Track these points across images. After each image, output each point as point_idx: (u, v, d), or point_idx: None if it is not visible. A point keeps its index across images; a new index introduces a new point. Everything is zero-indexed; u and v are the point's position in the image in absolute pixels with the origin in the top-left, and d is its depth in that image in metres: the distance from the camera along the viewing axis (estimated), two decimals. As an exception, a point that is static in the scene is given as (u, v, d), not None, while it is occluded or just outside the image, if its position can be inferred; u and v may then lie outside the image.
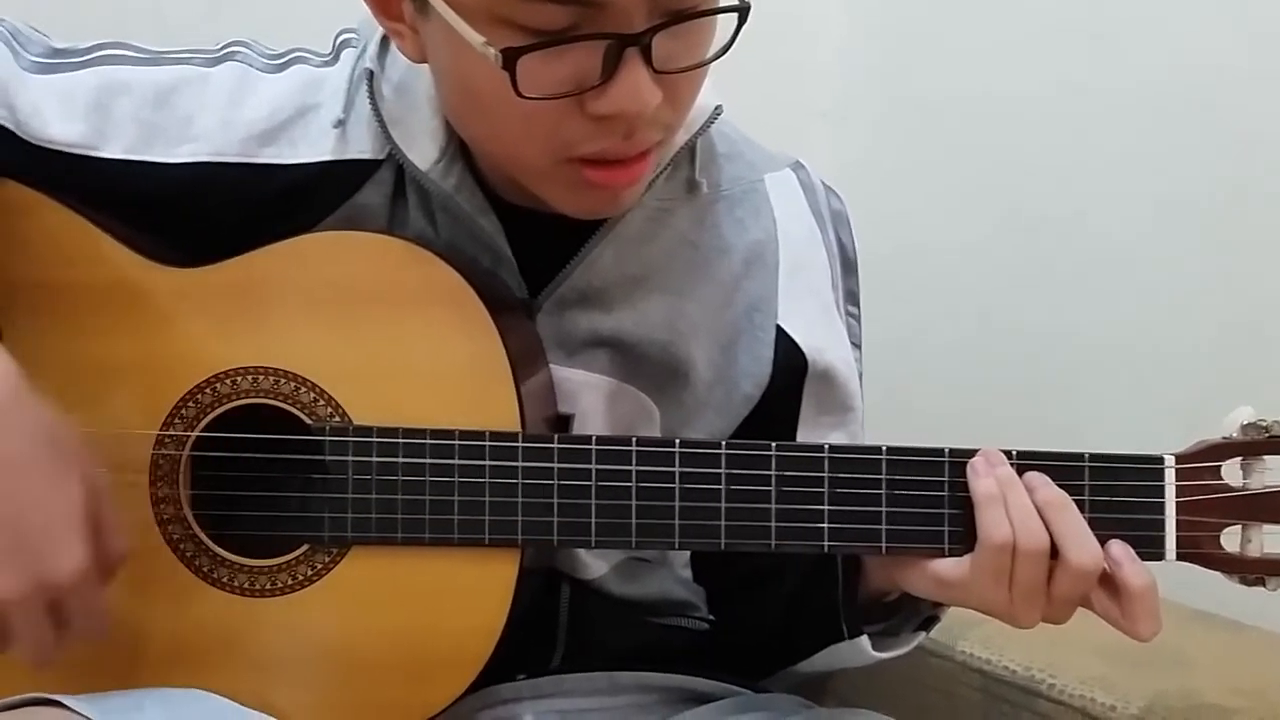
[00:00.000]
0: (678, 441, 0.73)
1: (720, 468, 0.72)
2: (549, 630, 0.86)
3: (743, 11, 0.70)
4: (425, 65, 0.79)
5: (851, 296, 0.92)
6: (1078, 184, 1.32)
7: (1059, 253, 1.35)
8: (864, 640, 0.78)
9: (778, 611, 0.86)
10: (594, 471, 0.73)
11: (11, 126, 0.79)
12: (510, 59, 0.66)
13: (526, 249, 0.83)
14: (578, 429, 0.83)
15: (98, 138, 0.80)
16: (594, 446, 0.73)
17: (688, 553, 0.92)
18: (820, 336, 0.87)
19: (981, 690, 0.98)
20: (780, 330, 0.86)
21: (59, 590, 0.67)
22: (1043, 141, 1.34)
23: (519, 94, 0.67)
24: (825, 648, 0.81)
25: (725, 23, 0.72)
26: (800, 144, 0.95)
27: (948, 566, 0.72)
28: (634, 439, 0.73)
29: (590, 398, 0.84)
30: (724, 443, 0.73)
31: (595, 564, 0.87)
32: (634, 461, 0.73)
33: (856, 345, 0.91)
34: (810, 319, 0.87)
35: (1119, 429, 1.25)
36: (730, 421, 0.86)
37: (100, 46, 0.83)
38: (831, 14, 1.51)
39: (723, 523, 0.73)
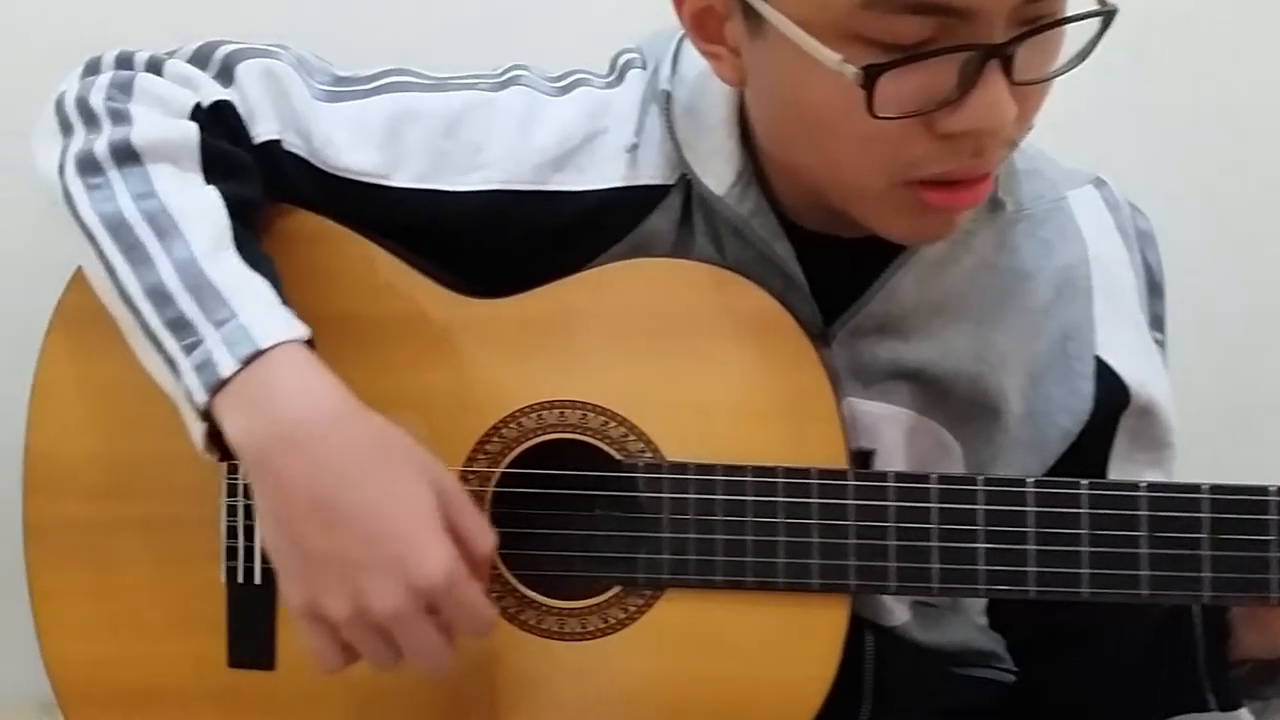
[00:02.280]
0: (1031, 481, 0.68)
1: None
2: (854, 681, 0.80)
3: (1106, 16, 0.65)
4: (715, 87, 0.76)
5: (1158, 322, 0.86)
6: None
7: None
8: (1243, 714, 0.72)
9: (1106, 670, 0.79)
10: (935, 511, 0.68)
11: (306, 155, 0.78)
12: (871, 76, 0.63)
13: (819, 275, 0.79)
14: (878, 466, 0.78)
15: (389, 166, 0.79)
16: (934, 485, 0.69)
17: (984, 599, 0.86)
18: (1141, 368, 0.81)
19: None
20: (1100, 361, 0.80)
21: (432, 593, 0.66)
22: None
23: (873, 114, 0.64)
24: (1180, 715, 0.74)
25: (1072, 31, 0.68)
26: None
27: None
28: (980, 477, 0.68)
29: (890, 432, 0.79)
30: (1087, 482, 0.67)
31: (897, 610, 0.82)
32: (981, 501, 0.68)
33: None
34: (1130, 349, 0.81)
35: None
36: (1044, 459, 0.80)
37: (386, 74, 0.82)
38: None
39: (1084, 571, 0.67)
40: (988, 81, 0.64)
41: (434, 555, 0.66)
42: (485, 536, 0.70)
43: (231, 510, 0.78)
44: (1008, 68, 0.64)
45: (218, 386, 0.68)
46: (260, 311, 0.69)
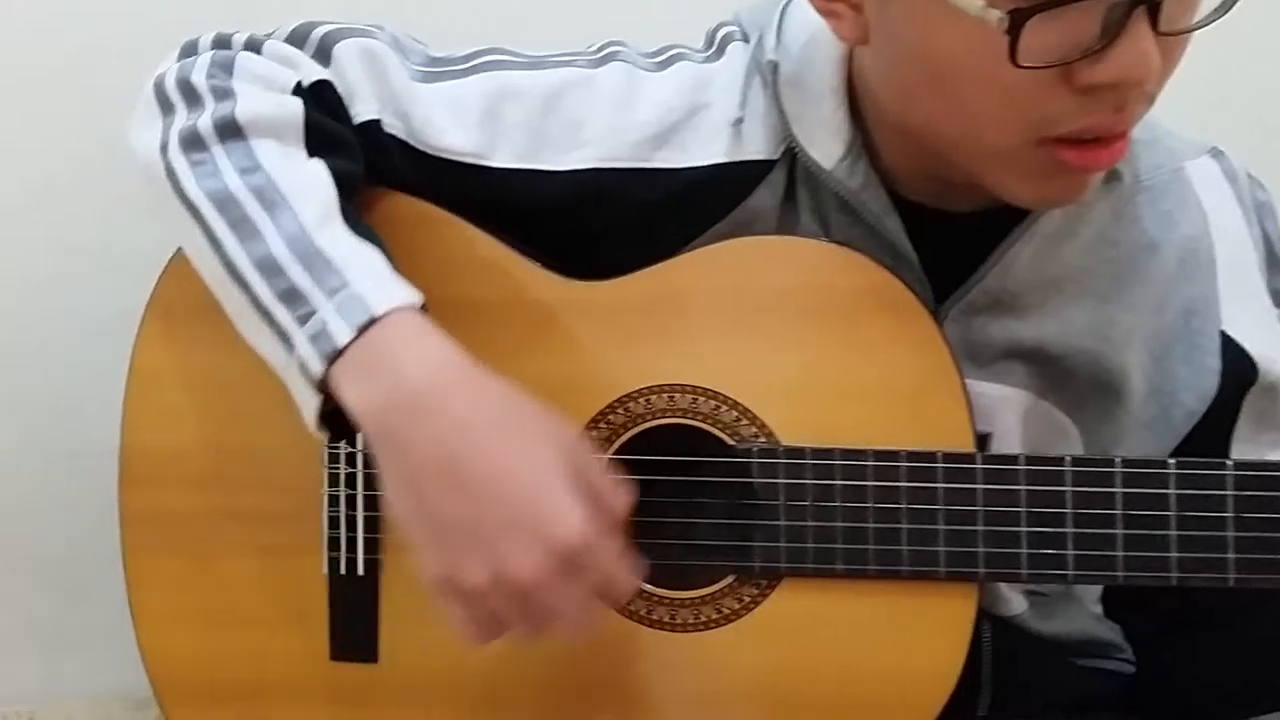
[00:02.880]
0: (1173, 462, 0.65)
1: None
2: (972, 673, 0.77)
3: None
4: (822, 56, 0.74)
5: (1277, 296, 0.82)
6: None
7: None
8: None
9: (1232, 653, 0.76)
10: (1070, 495, 0.65)
11: (405, 137, 0.77)
12: (1017, 22, 0.60)
13: (929, 251, 0.76)
14: (995, 449, 0.75)
15: (488, 146, 0.77)
16: (1069, 468, 0.66)
17: (1098, 588, 0.83)
18: (1267, 343, 0.78)
19: None
20: (1225, 337, 0.77)
21: (571, 554, 0.63)
22: None
23: (1016, 63, 0.61)
24: None
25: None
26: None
27: None
28: (1117, 458, 0.65)
29: (1006, 414, 0.76)
30: (1232, 463, 0.64)
31: (1014, 599, 0.79)
32: (1119, 484, 0.65)
33: None
34: (1255, 324, 0.78)
35: None
36: (1168, 441, 0.77)
37: (481, 53, 0.80)
38: None
39: (1229, 556, 0.64)
40: (1133, 31, 0.61)
41: (569, 515, 0.63)
42: (618, 495, 0.67)
43: (333, 500, 0.76)
44: (1154, 16, 0.61)
45: (334, 356, 0.66)
46: (372, 278, 0.68)
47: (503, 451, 0.64)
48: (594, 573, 0.64)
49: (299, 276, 0.68)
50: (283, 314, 0.68)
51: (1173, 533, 0.64)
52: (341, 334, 0.66)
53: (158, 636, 0.79)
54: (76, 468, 0.98)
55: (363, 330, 0.66)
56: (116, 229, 0.97)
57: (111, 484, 0.82)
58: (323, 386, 0.67)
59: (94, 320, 0.96)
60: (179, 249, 0.80)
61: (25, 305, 0.99)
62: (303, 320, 0.67)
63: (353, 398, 0.66)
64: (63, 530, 1.00)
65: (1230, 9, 0.64)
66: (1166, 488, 0.65)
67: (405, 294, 0.68)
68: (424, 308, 0.68)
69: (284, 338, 0.68)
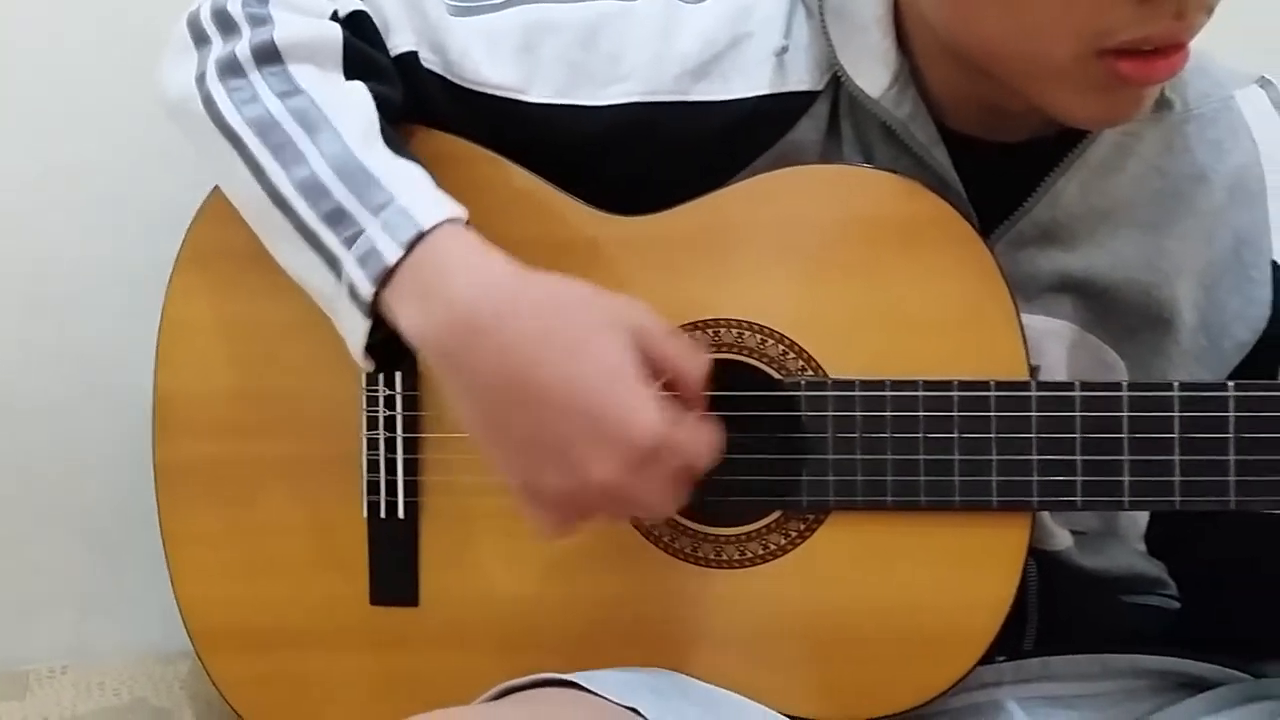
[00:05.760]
0: (1233, 386, 0.64)
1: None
2: (1018, 607, 0.77)
3: None
4: None
5: None
6: None
7: None
8: None
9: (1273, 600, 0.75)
10: (1126, 420, 0.64)
11: (442, 71, 0.76)
12: None
13: (974, 182, 0.75)
14: (1042, 382, 0.75)
15: (526, 80, 0.76)
16: (1125, 393, 0.65)
17: (1143, 525, 0.82)
18: None
19: None
20: (1276, 267, 0.75)
21: (648, 449, 0.62)
22: None
23: None
24: None
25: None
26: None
27: None
28: (1175, 383, 0.64)
29: (1054, 348, 0.75)
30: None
31: (1060, 534, 0.78)
32: (1177, 408, 0.64)
33: None
34: None
35: None
36: (1218, 373, 0.76)
37: None
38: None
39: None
40: None
41: (640, 413, 0.62)
42: (693, 360, 0.66)
43: (372, 444, 0.76)
44: None
45: (385, 276, 0.65)
46: (417, 193, 0.67)
47: (562, 358, 0.62)
48: (675, 457, 0.63)
49: (343, 196, 0.67)
50: (329, 236, 0.67)
51: (1231, 457, 0.63)
52: (390, 252, 0.65)
53: (196, 587, 0.79)
54: (107, 421, 0.97)
55: (411, 247, 0.64)
56: (147, 178, 0.96)
57: (142, 437, 0.81)
58: (373, 310, 0.66)
59: (125, 270, 0.95)
60: (209, 195, 0.80)
61: (56, 257, 0.97)
62: (350, 241, 0.66)
63: (406, 320, 0.65)
64: (93, 486, 0.99)
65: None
66: (1226, 411, 0.63)
67: (451, 208, 0.66)
68: (468, 223, 0.67)
69: (331, 262, 0.67)
